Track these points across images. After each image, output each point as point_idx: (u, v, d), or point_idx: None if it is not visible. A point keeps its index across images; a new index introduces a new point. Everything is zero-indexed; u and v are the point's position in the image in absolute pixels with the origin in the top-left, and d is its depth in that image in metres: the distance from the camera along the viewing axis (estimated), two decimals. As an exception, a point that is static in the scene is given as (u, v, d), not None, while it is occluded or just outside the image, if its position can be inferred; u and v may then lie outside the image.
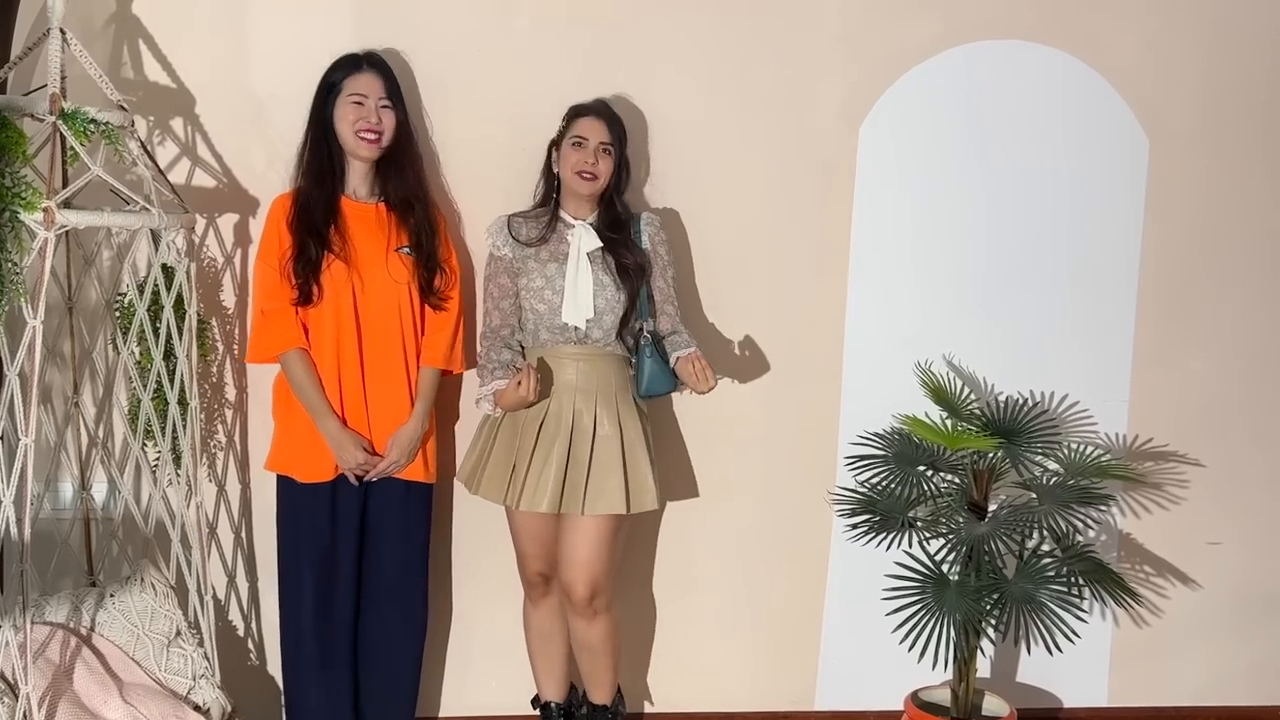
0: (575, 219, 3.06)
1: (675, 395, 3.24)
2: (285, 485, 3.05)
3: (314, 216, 2.94)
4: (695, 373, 2.93)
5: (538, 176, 3.19)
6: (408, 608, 3.13)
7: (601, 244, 3.02)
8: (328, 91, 2.97)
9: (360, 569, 3.08)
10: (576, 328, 3.00)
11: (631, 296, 3.03)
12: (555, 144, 3.07)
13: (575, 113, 3.06)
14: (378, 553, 3.09)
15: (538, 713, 3.27)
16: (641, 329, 3.05)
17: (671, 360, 3.02)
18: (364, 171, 3.02)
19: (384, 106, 2.98)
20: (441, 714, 3.43)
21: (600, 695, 3.18)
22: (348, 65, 2.98)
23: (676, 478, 3.39)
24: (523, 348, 3.08)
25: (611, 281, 3.01)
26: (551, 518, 3.03)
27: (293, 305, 2.95)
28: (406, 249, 3.01)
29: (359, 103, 2.95)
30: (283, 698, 3.21)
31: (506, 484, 3.01)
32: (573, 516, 2.99)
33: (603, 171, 3.01)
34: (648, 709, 3.51)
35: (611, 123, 3.03)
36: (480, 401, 3.03)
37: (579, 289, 2.99)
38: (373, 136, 2.96)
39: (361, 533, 3.07)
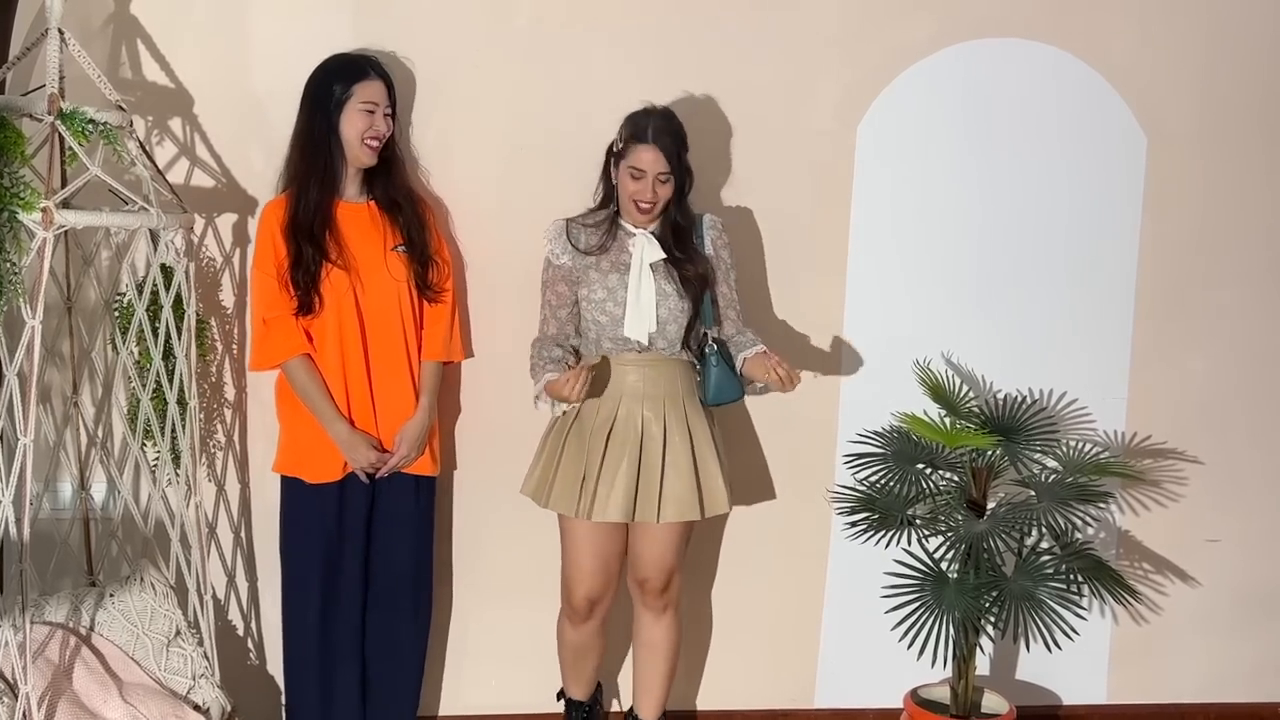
0: (636, 228, 3.00)
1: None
2: (292, 486, 3.04)
3: (311, 223, 2.92)
4: (773, 370, 2.85)
5: (535, 174, 3.21)
6: (416, 604, 3.14)
7: (664, 256, 2.96)
8: (331, 94, 2.94)
9: (367, 566, 3.08)
10: (639, 340, 2.96)
11: (695, 305, 2.98)
12: (613, 154, 2.98)
13: (633, 135, 2.92)
14: (388, 549, 3.09)
15: (561, 705, 3.28)
16: (706, 336, 3.00)
17: (738, 361, 2.98)
18: (354, 173, 3.02)
19: (386, 114, 2.98)
20: (440, 713, 3.43)
21: (649, 709, 3.16)
22: (355, 72, 2.95)
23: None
24: (576, 352, 3.02)
25: (674, 291, 2.96)
26: (620, 529, 3.01)
27: (293, 314, 2.95)
28: (402, 247, 3.01)
29: (370, 111, 2.94)
30: (283, 698, 3.22)
31: (577, 495, 2.96)
32: (644, 522, 2.97)
33: (661, 198, 2.94)
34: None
35: (669, 151, 2.91)
36: (537, 400, 2.97)
37: (641, 302, 2.94)
38: (376, 145, 2.96)
39: (367, 530, 3.08)
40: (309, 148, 2.95)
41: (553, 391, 2.87)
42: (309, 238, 2.92)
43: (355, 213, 3.01)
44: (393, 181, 3.04)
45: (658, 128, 2.93)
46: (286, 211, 2.94)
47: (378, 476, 3.02)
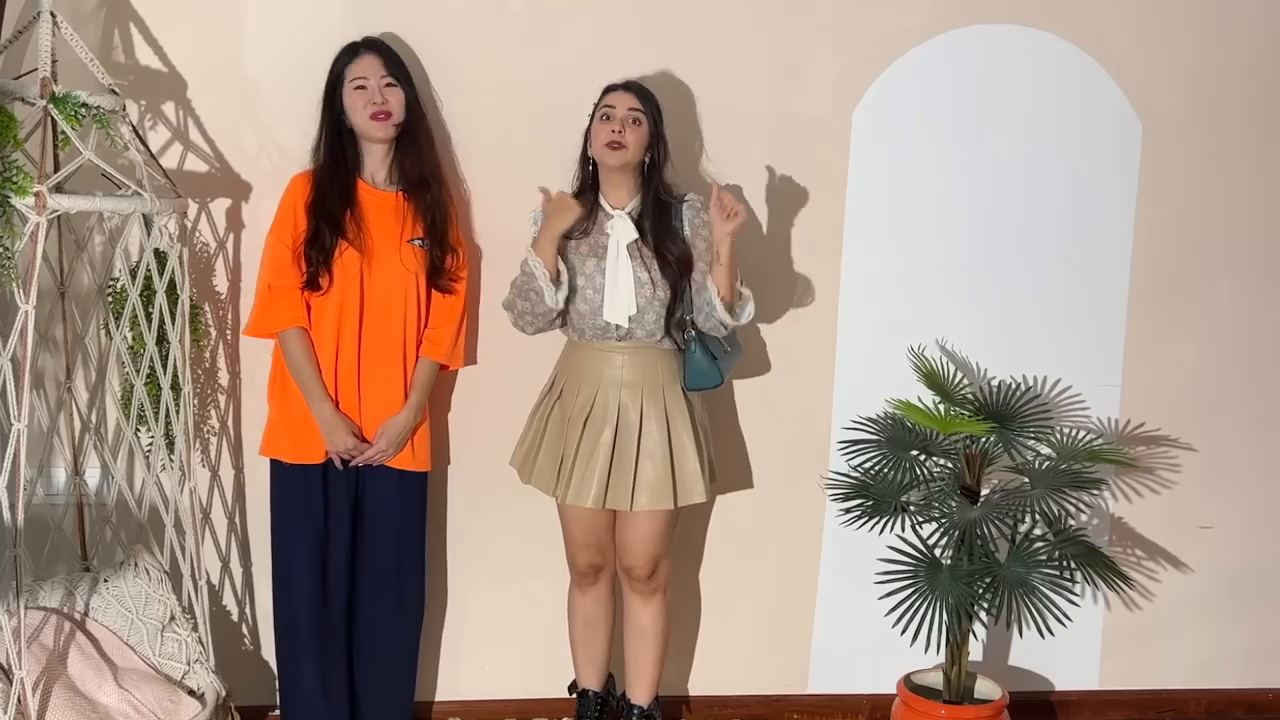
0: (615, 208, 2.99)
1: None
2: (277, 469, 3.05)
3: (330, 203, 2.94)
4: (721, 209, 2.81)
5: (528, 160, 3.20)
6: (403, 595, 3.14)
7: (637, 235, 2.95)
8: (335, 83, 2.97)
9: (354, 555, 3.09)
10: (619, 326, 2.96)
11: (673, 292, 2.95)
12: (588, 130, 3.01)
13: (604, 90, 3.00)
14: (373, 539, 3.09)
15: (574, 698, 3.27)
16: (686, 322, 2.97)
17: (708, 289, 2.89)
18: (382, 155, 3.01)
19: (388, 85, 2.97)
20: (436, 699, 3.44)
21: (641, 694, 3.16)
22: (347, 53, 2.99)
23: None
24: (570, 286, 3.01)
25: (650, 279, 2.93)
26: (604, 510, 3.01)
27: (300, 287, 2.95)
28: (419, 240, 3.01)
29: (362, 86, 2.95)
30: (277, 682, 3.22)
31: (555, 478, 3.00)
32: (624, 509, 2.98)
33: (631, 141, 2.91)
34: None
35: (641, 94, 2.96)
36: (529, 275, 2.91)
37: (619, 285, 2.93)
38: (383, 116, 2.95)
39: (355, 519, 3.08)
40: (327, 132, 2.99)
41: (549, 234, 2.85)
42: (328, 217, 2.93)
43: (381, 200, 3.01)
44: (420, 159, 3.02)
45: (630, 82, 3.00)
46: (312, 187, 2.96)
47: (352, 465, 3.02)
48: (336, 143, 2.98)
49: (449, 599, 3.41)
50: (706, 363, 2.97)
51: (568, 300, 2.97)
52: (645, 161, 2.98)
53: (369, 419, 3.01)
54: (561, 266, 2.92)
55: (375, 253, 2.97)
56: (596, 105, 2.99)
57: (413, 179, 3.01)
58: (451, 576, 3.40)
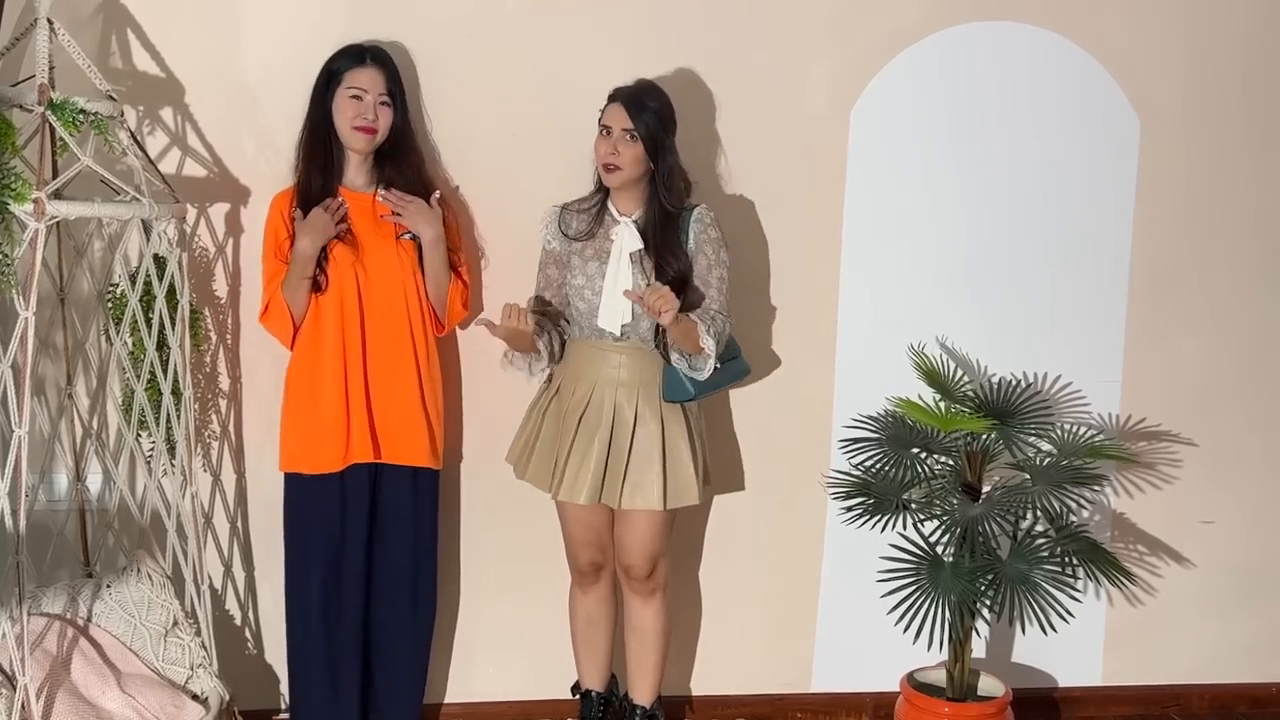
0: (622, 214, 2.98)
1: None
2: (293, 481, 3.05)
3: (316, 200, 2.94)
4: (646, 306, 2.76)
5: (528, 161, 3.20)
6: (418, 596, 3.14)
7: (642, 246, 2.93)
8: (328, 80, 2.97)
9: (369, 557, 3.09)
10: (611, 330, 2.95)
11: None
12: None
13: (608, 98, 2.95)
14: (389, 542, 3.09)
15: (577, 699, 3.28)
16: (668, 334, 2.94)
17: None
18: (359, 162, 3.02)
19: (382, 103, 2.97)
20: (446, 700, 3.43)
21: (643, 694, 3.16)
22: (350, 56, 2.97)
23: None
24: (563, 343, 3.04)
25: (646, 286, 2.90)
26: (602, 507, 3.01)
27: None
28: (409, 234, 3.01)
29: (357, 97, 2.94)
30: (284, 686, 3.22)
31: (550, 474, 3.00)
32: (622, 509, 2.98)
33: (626, 161, 2.89)
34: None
35: (637, 108, 2.87)
36: (508, 360, 3.03)
37: (617, 293, 2.91)
38: (367, 133, 2.95)
39: (371, 522, 3.07)
40: (310, 135, 2.99)
41: (505, 334, 2.88)
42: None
43: (361, 201, 3.01)
44: (410, 181, 3.02)
45: (628, 89, 2.94)
46: (295, 194, 2.97)
47: (381, 201, 2.97)
48: (322, 141, 2.97)
49: (460, 600, 3.40)
50: (679, 375, 2.93)
51: (568, 297, 3.00)
52: (652, 171, 2.96)
53: (383, 421, 3.01)
54: (540, 342, 2.95)
55: (366, 249, 2.98)
56: (603, 111, 2.96)
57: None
58: (456, 578, 3.40)
